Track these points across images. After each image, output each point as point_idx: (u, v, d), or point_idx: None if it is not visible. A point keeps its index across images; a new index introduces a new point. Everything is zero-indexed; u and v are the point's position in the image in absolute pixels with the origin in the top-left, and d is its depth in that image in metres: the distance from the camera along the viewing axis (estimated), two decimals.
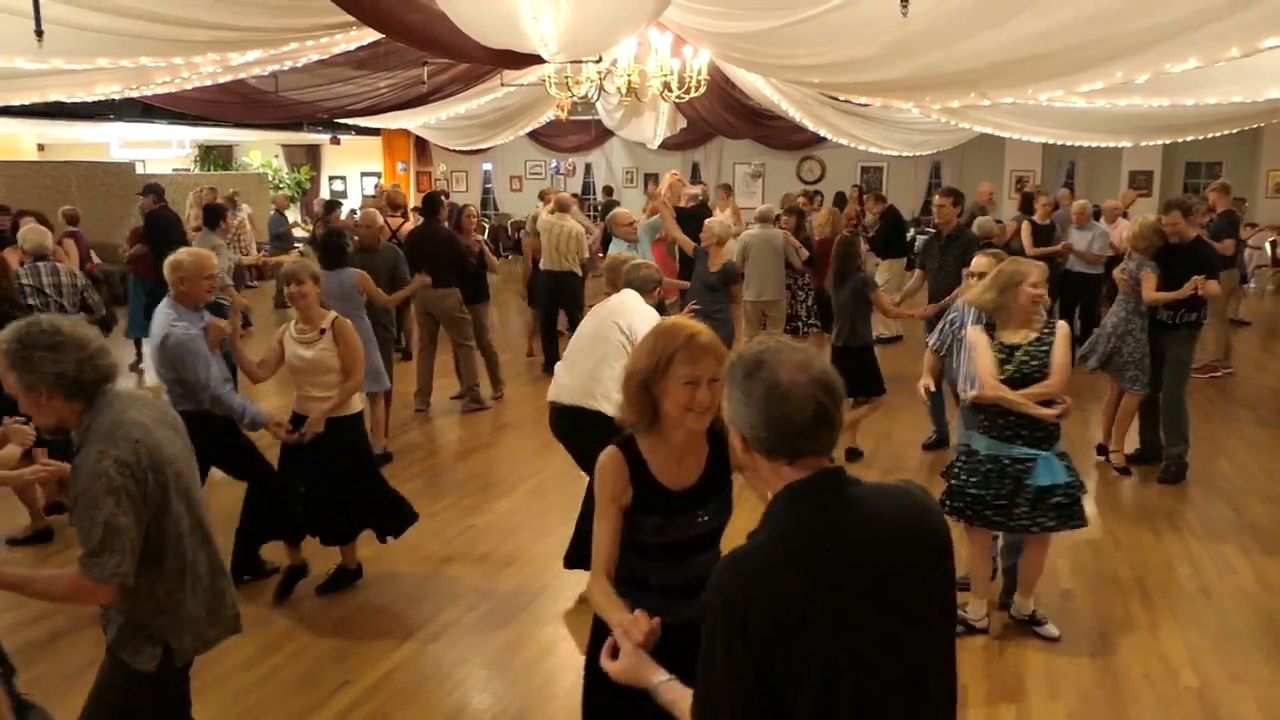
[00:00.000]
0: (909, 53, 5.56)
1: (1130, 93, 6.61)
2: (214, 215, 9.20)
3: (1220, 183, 10.30)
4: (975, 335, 4.58)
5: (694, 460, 2.54)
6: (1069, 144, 12.86)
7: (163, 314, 4.82)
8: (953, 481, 4.58)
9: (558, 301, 10.08)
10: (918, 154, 16.11)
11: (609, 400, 4.56)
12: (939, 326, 5.69)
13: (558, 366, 5.11)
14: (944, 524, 1.84)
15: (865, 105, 10.89)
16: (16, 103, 7.93)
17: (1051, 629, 4.67)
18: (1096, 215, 10.57)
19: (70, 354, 2.57)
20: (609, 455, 2.49)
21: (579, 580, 5.35)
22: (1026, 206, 11.52)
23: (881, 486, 1.83)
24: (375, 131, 19.05)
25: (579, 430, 4.80)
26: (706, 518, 2.54)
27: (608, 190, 18.05)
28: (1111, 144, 12.68)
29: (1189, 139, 10.62)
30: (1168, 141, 12.75)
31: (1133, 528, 6.11)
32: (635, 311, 4.93)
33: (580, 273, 10.17)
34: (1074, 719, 4.04)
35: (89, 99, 8.19)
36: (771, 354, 1.78)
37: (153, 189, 10.71)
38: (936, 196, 7.95)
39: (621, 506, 2.48)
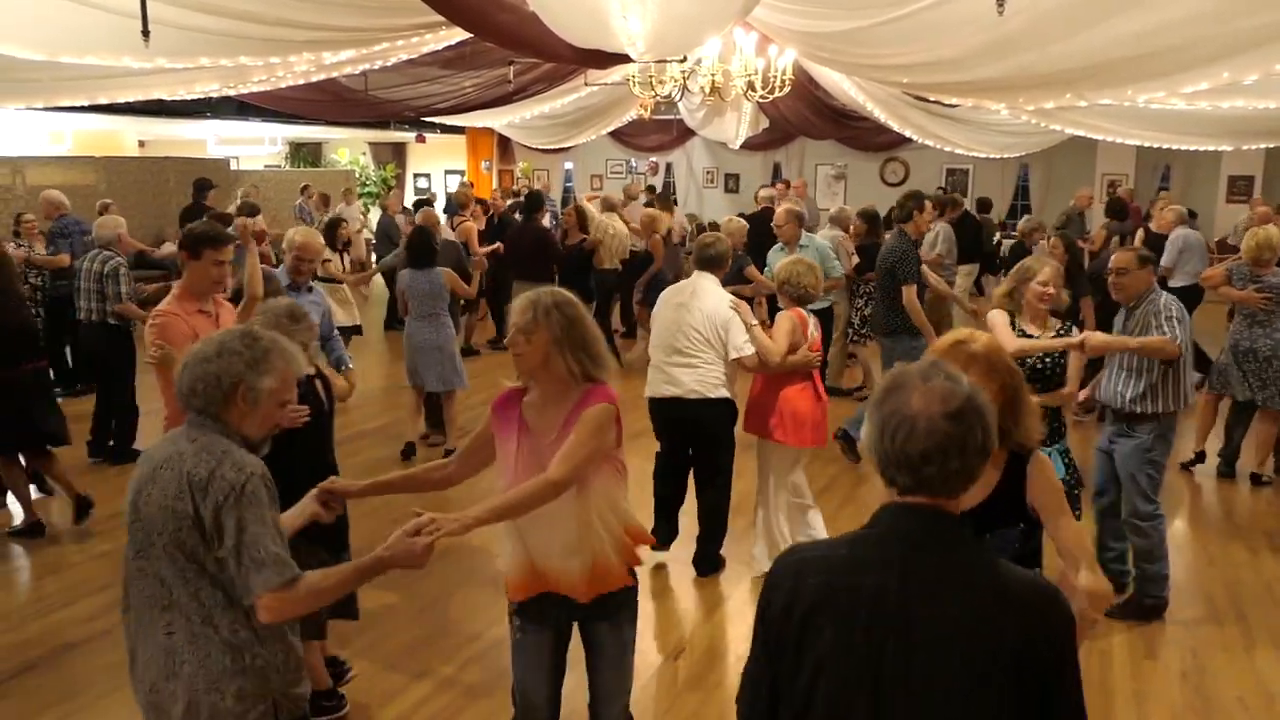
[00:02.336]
0: (1004, 52, 5.46)
1: (1234, 94, 6.39)
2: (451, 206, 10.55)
3: None
4: (997, 316, 4.46)
5: (979, 483, 2.44)
6: (1165, 147, 12.47)
7: None
8: None
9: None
10: (1005, 156, 15.76)
11: (719, 388, 5.12)
12: None
13: (663, 363, 5.22)
14: (1043, 634, 1.60)
15: (953, 106, 10.70)
16: (123, 100, 8.23)
17: None
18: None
19: None
20: None
21: (651, 578, 5.36)
22: (1117, 211, 11.12)
23: (991, 562, 1.67)
24: (460, 130, 19.30)
25: (702, 418, 5.19)
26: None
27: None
28: (1211, 147, 12.26)
29: None
30: (1272, 145, 12.28)
31: (1225, 544, 5.90)
32: (731, 323, 5.09)
33: (620, 269, 10.56)
34: None
35: (189, 97, 8.47)
36: (910, 378, 1.67)
37: (197, 184, 11.20)
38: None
39: None
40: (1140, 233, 10.21)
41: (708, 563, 5.44)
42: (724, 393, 5.16)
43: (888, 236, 7.60)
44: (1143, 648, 4.62)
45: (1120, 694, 4.24)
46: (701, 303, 5.17)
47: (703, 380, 5.12)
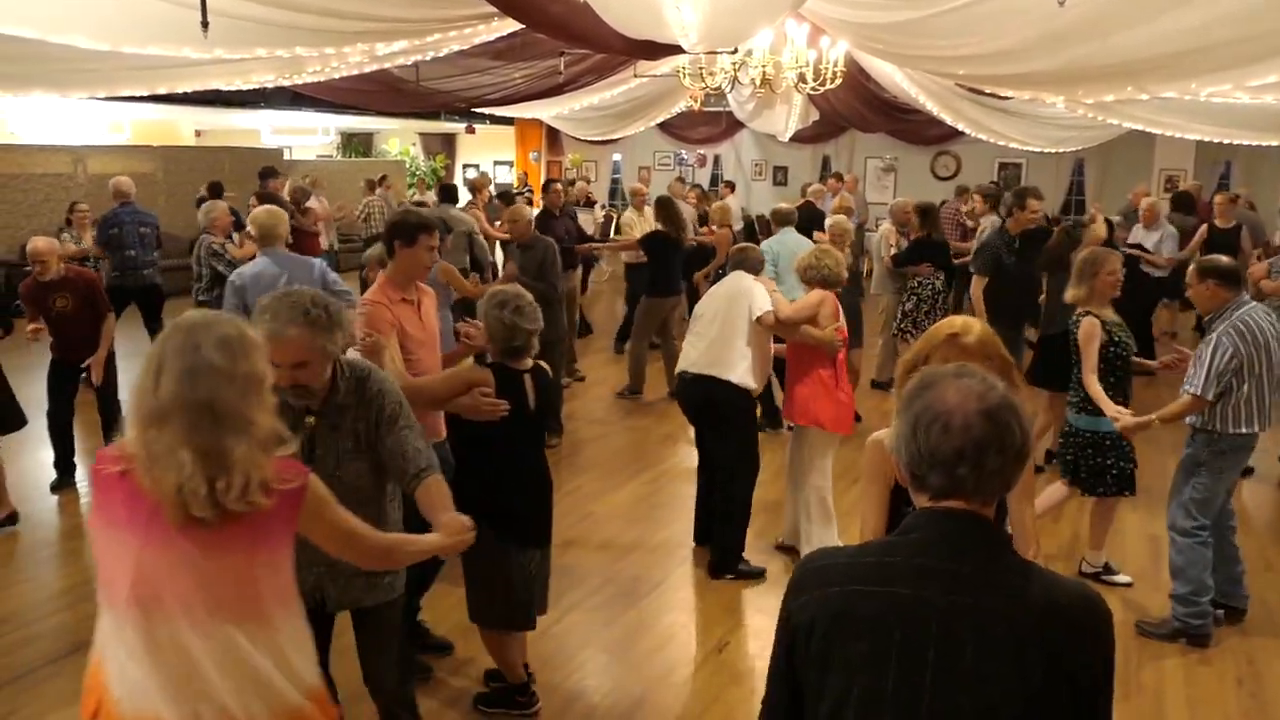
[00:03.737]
0: (1063, 44, 5.36)
1: None
2: (450, 192, 10.57)
3: None
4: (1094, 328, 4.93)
5: None
6: (1226, 142, 12.16)
7: None
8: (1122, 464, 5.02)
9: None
10: (1060, 151, 15.48)
11: (735, 371, 5.14)
12: None
13: (686, 342, 5.44)
14: (1092, 644, 1.54)
15: (1008, 99, 10.52)
16: (181, 90, 8.37)
17: (1123, 577, 5.24)
18: None
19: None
20: (878, 438, 2.54)
21: (698, 572, 5.36)
22: (1183, 205, 10.81)
23: (1033, 569, 1.58)
24: (509, 121, 19.39)
25: (710, 397, 5.23)
26: None
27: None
28: (1274, 142, 11.94)
29: None
30: None
31: None
32: (754, 290, 5.27)
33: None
34: None
35: (245, 87, 8.59)
36: (943, 377, 1.60)
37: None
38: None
39: (889, 485, 2.50)
40: (1203, 229, 9.95)
41: (711, 565, 5.33)
42: (737, 378, 5.17)
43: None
44: (1197, 654, 4.53)
45: (1173, 700, 4.16)
46: (727, 286, 5.38)
47: (714, 358, 5.20)
